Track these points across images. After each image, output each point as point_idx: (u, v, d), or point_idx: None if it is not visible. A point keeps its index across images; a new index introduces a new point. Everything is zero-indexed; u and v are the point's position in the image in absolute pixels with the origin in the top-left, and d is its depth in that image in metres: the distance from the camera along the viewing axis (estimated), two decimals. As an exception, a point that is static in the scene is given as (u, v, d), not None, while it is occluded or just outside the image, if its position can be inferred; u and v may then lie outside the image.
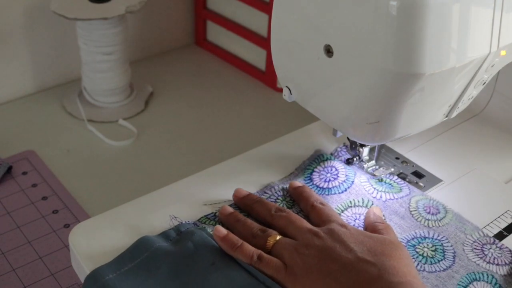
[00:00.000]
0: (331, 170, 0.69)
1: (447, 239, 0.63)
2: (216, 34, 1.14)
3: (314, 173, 0.69)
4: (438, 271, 0.60)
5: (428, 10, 0.51)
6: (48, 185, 0.84)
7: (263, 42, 1.02)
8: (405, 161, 0.74)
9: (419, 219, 0.65)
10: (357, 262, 0.53)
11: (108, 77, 0.95)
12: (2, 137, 0.91)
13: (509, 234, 0.65)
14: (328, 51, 0.58)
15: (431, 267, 0.60)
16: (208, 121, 0.97)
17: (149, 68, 1.10)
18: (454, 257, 0.61)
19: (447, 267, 0.60)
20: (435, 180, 0.71)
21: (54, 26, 0.98)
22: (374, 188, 0.68)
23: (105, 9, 0.89)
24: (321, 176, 0.68)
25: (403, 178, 0.71)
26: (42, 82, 1.02)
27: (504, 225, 0.66)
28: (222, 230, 0.58)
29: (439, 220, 0.65)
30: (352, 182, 0.68)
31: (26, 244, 0.76)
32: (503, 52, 0.60)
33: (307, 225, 0.59)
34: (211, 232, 0.59)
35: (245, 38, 1.06)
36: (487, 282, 0.59)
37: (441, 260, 0.61)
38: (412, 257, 0.60)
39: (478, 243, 0.63)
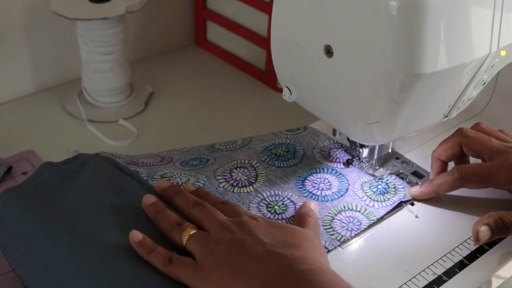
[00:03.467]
0: (324, 181, 0.69)
1: (300, 144, 0.73)
2: (216, 34, 1.14)
3: (306, 181, 0.69)
4: (285, 167, 0.70)
5: (428, 10, 0.51)
6: (48, 185, 0.84)
7: (263, 42, 1.02)
8: (405, 161, 0.74)
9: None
10: (267, 255, 0.53)
11: (108, 77, 0.95)
12: (2, 137, 0.91)
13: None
14: (328, 51, 0.58)
15: (280, 163, 0.70)
16: (208, 121, 0.97)
17: (149, 68, 1.10)
18: (302, 157, 0.71)
19: (294, 164, 0.70)
20: (435, 180, 0.71)
21: (54, 26, 0.98)
22: (368, 197, 0.68)
23: (105, 9, 0.89)
24: (314, 185, 0.68)
25: (403, 178, 0.71)
26: (42, 82, 1.02)
27: (504, 225, 0.66)
28: (138, 235, 0.57)
29: (298, 133, 0.74)
30: (347, 190, 0.69)
31: (26, 244, 0.76)
32: (503, 52, 0.60)
33: (220, 217, 0.59)
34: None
35: (245, 38, 1.06)
36: (326, 173, 0.69)
37: (291, 158, 0.71)
38: (270, 164, 0.69)
39: (327, 148, 0.73)
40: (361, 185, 0.69)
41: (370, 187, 0.68)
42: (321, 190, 0.67)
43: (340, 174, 0.70)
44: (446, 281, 0.59)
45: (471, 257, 0.62)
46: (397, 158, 0.74)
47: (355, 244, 0.63)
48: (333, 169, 0.70)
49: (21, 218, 0.60)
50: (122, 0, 0.91)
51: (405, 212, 0.67)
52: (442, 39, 0.53)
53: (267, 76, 1.05)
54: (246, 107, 1.01)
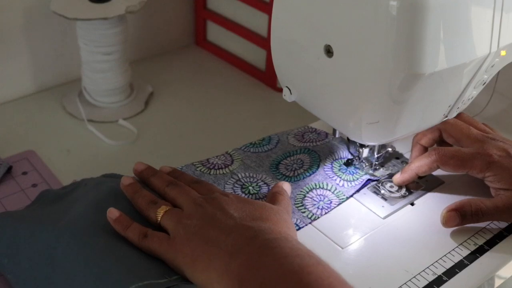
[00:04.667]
0: (297, 161, 0.70)
1: (276, 134, 0.76)
2: (216, 34, 1.14)
3: (280, 165, 0.70)
4: (260, 152, 0.73)
5: (428, 11, 0.51)
6: (48, 185, 0.84)
7: (263, 42, 1.02)
8: (405, 161, 0.74)
9: None
10: (236, 227, 0.56)
11: (108, 77, 0.95)
12: (2, 137, 0.91)
13: (509, 234, 0.65)
14: (328, 51, 0.58)
15: (255, 149, 0.74)
16: (208, 121, 0.97)
17: (149, 68, 1.10)
18: (277, 143, 0.75)
19: (268, 149, 0.73)
20: (435, 181, 0.71)
21: (54, 26, 0.98)
22: (338, 176, 0.70)
23: (105, 9, 0.89)
24: (287, 167, 0.70)
25: (403, 178, 0.71)
26: (42, 82, 1.02)
27: (504, 225, 0.66)
28: (115, 212, 0.60)
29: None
30: (318, 166, 0.71)
31: (26, 244, 0.76)
32: (503, 52, 0.60)
33: (193, 195, 0.61)
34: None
35: (245, 38, 1.06)
36: (299, 153, 0.71)
37: (266, 145, 0.74)
38: (245, 151, 0.72)
39: (300, 131, 0.76)
40: (331, 164, 0.70)
41: (339, 168, 0.70)
42: (294, 170, 0.70)
43: (312, 151, 0.72)
44: (446, 281, 0.59)
45: (471, 257, 0.62)
46: (397, 158, 0.74)
47: (355, 244, 0.63)
48: (305, 148, 0.72)
49: (10, 224, 0.63)
50: (122, 0, 0.91)
51: (405, 212, 0.67)
52: (442, 39, 0.53)
53: (267, 76, 1.05)
54: (246, 107, 1.00)
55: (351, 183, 0.68)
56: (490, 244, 0.63)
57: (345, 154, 0.72)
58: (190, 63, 1.13)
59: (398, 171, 0.72)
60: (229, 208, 0.58)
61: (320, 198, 0.66)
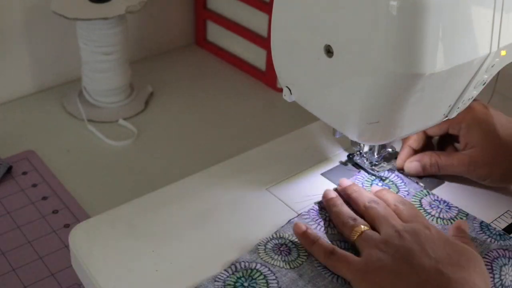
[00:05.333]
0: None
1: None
2: (216, 34, 1.14)
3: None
4: None
5: (428, 10, 0.51)
6: (48, 185, 0.84)
7: (263, 42, 1.02)
8: (405, 161, 0.74)
9: None
10: (429, 269, 0.54)
11: (108, 77, 0.95)
12: (2, 137, 0.91)
13: (509, 234, 0.65)
14: (328, 51, 0.57)
15: None
16: (208, 121, 0.97)
17: (149, 68, 1.10)
18: None
19: None
20: (435, 181, 0.71)
21: (54, 26, 0.98)
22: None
23: (105, 9, 0.89)
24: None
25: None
26: (42, 82, 1.02)
27: (504, 225, 0.66)
28: (301, 226, 0.60)
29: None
30: None
31: (26, 244, 0.76)
32: (503, 52, 0.60)
33: (394, 221, 0.59)
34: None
35: (245, 38, 1.06)
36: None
37: None
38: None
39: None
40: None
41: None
42: None
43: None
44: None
45: (471, 257, 0.62)
46: (397, 158, 0.74)
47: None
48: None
49: None
50: (122, 0, 0.91)
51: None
52: (442, 39, 0.53)
53: (267, 76, 1.05)
54: (246, 107, 1.01)
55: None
56: (490, 244, 0.63)
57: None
58: (190, 63, 1.13)
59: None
60: (428, 246, 0.56)
61: None
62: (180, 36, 1.17)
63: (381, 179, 0.70)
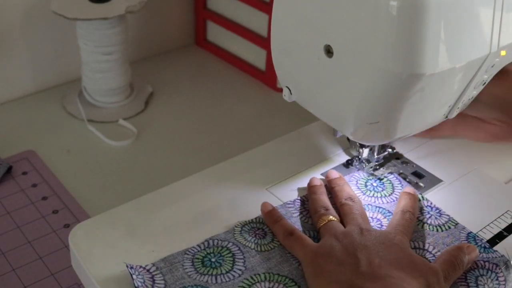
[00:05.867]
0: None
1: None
2: (216, 34, 1.14)
3: None
4: None
5: (428, 10, 0.51)
6: (48, 185, 0.84)
7: (263, 42, 1.02)
8: (405, 161, 0.74)
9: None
10: (373, 269, 0.55)
11: (108, 77, 0.95)
12: (2, 137, 0.91)
13: (509, 234, 0.65)
14: (328, 51, 0.58)
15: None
16: (208, 121, 0.97)
17: (149, 68, 1.10)
18: None
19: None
20: (435, 181, 0.71)
21: (54, 26, 0.98)
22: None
23: (105, 9, 0.89)
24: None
25: (404, 179, 0.71)
26: (42, 82, 1.02)
27: (504, 225, 0.66)
28: (268, 205, 0.62)
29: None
30: None
31: (26, 244, 0.76)
32: (503, 52, 0.60)
33: (363, 221, 0.61)
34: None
35: (245, 38, 1.06)
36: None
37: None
38: None
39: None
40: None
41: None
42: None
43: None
44: (446, 281, 0.59)
45: (471, 257, 0.62)
46: (397, 158, 0.74)
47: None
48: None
49: None
50: (122, 0, 0.91)
51: (405, 212, 0.67)
52: (442, 39, 0.53)
53: (267, 76, 1.05)
54: (246, 107, 1.01)
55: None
56: (490, 244, 0.63)
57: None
58: (190, 63, 1.13)
59: (398, 171, 0.72)
60: (386, 250, 0.57)
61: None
62: (180, 36, 1.17)
63: (379, 178, 0.70)
